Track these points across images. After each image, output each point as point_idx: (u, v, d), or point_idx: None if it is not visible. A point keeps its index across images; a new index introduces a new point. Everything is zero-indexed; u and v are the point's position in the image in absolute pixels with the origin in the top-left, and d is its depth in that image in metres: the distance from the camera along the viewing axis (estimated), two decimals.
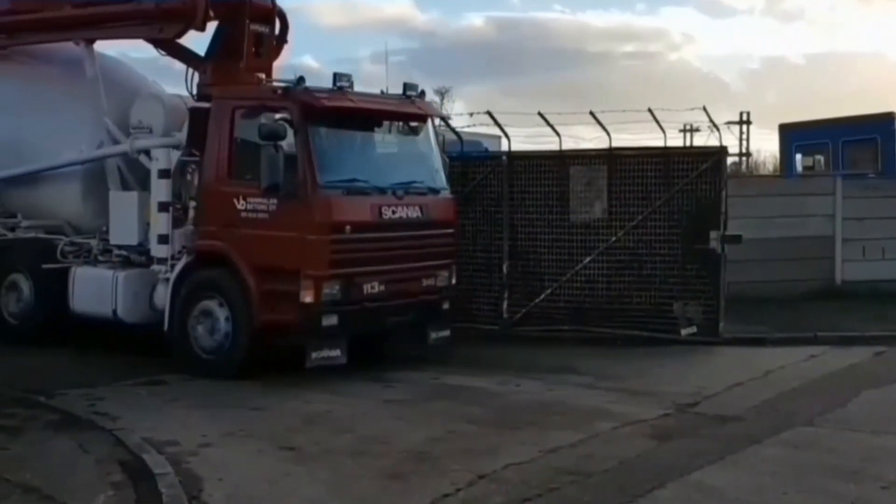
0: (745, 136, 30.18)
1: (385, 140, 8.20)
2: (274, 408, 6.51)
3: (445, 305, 8.11)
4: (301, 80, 7.42)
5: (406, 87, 8.11)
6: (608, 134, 9.43)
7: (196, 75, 8.24)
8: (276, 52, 8.49)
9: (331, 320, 7.17)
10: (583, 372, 7.66)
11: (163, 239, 7.91)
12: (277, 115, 7.24)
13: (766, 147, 35.28)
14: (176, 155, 7.94)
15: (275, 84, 7.80)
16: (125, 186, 8.44)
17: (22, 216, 9.01)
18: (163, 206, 7.91)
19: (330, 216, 7.23)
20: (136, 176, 8.42)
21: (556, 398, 6.75)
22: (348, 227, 7.27)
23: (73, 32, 8.68)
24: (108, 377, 7.40)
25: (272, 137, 7.11)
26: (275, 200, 7.24)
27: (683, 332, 8.12)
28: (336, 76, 7.48)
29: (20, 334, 8.63)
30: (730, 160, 18.38)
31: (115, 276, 8.13)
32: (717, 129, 10.33)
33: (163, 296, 7.82)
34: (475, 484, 4.86)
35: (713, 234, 8.81)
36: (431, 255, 7.93)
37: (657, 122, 9.33)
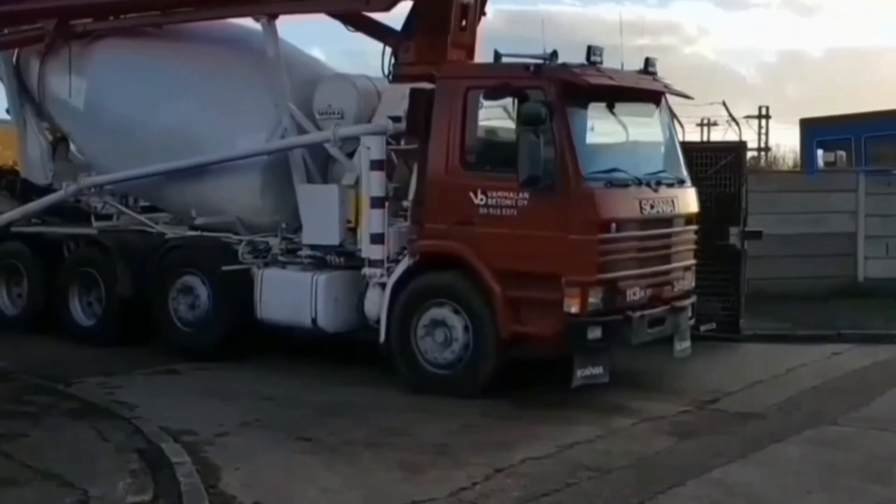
0: (763, 131, 29.92)
1: (632, 123, 7.10)
2: (291, 398, 6.47)
3: (691, 313, 7.14)
4: (555, 54, 6.42)
5: (648, 62, 6.98)
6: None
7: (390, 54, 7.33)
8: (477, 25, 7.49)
9: (595, 333, 6.24)
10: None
11: (377, 238, 6.80)
12: (525, 96, 6.20)
13: (784, 142, 34.96)
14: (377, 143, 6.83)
15: (523, 60, 6.54)
16: (309, 179, 7.49)
17: (196, 212, 7.90)
18: (377, 202, 6.79)
19: (597, 212, 6.27)
20: (318, 167, 7.54)
21: (571, 393, 6.67)
22: (614, 225, 6.34)
23: (255, 6, 7.60)
24: (125, 366, 7.39)
25: (533, 122, 6.12)
26: (525, 194, 6.25)
27: (702, 328, 8.06)
28: (591, 49, 6.48)
29: (196, 345, 7.58)
30: (749, 155, 18.19)
31: (314, 280, 7.08)
32: (737, 124, 10.17)
33: (376, 302, 6.80)
34: (492, 478, 4.83)
35: (733, 230, 8.62)
36: (681, 255, 6.98)
37: (674, 116, 9.21)
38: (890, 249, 11.49)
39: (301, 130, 7.50)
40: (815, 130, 16.93)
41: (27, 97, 9.08)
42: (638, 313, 6.45)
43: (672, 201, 6.83)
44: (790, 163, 28.29)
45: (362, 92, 7.39)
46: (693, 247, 7.20)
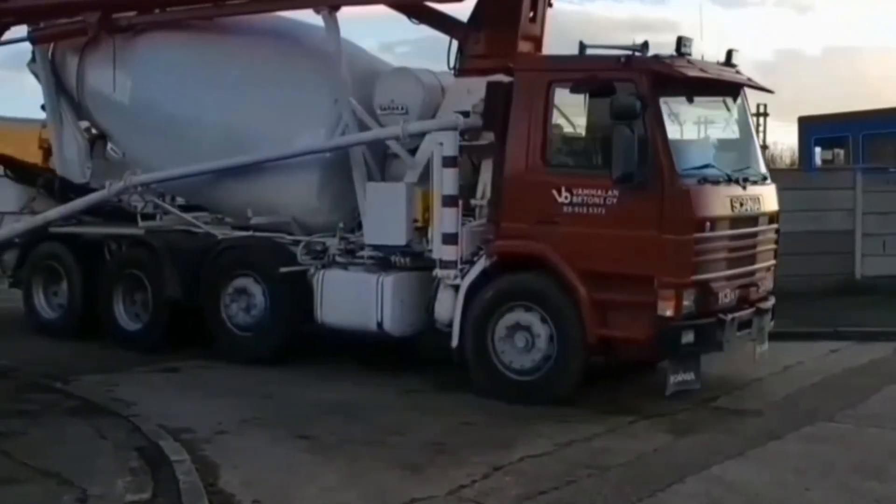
0: (762, 129, 29.91)
1: (718, 117, 6.89)
2: (290, 396, 6.45)
3: (772, 315, 6.86)
4: (646, 45, 6.14)
5: (730, 54, 6.65)
6: None
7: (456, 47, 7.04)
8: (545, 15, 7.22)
9: (688, 337, 5.98)
10: None
11: (449, 239, 6.48)
12: (614, 89, 5.92)
13: (782, 140, 34.97)
14: (447, 139, 6.49)
15: (612, 51, 6.25)
16: (369, 177, 7.22)
17: (252, 212, 7.55)
18: (450, 201, 6.47)
19: (692, 211, 5.99)
20: (377, 164, 7.30)
21: (574, 392, 6.65)
22: (708, 224, 6.07)
23: None
24: (124, 364, 7.36)
25: (626, 116, 5.85)
26: (615, 192, 5.98)
27: None
28: (681, 40, 6.20)
29: (252, 350, 7.29)
30: None
31: (379, 282, 6.78)
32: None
33: (449, 305, 6.50)
34: (491, 476, 4.83)
35: None
36: (764, 254, 6.73)
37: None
38: (887, 247, 11.52)
39: (362, 127, 7.22)
40: (812, 128, 16.94)
41: (63, 93, 8.76)
42: (730, 316, 6.20)
43: (758, 199, 6.58)
44: (788, 161, 28.33)
45: (427, 86, 7.14)
46: (774, 246, 6.95)
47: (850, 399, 6.60)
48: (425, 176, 6.83)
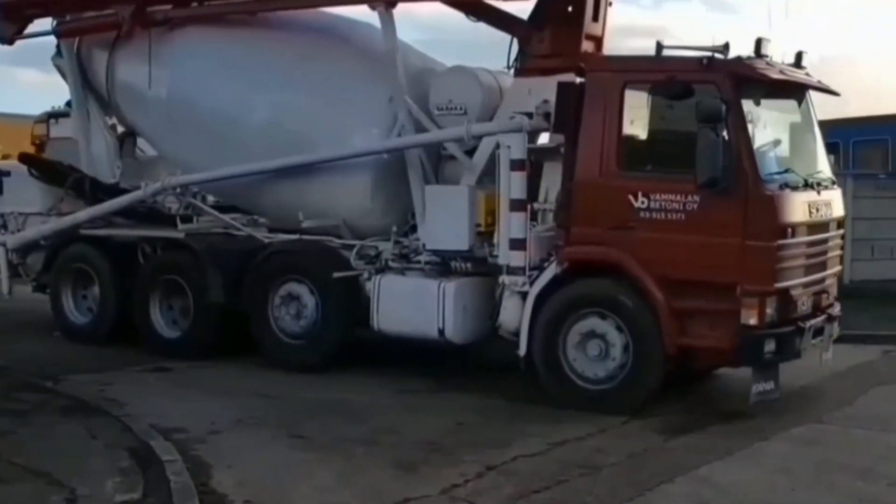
0: None
1: (791, 121, 6.70)
2: (286, 396, 6.42)
3: (840, 322, 6.70)
4: (727, 46, 5.95)
5: (800, 56, 6.47)
6: None
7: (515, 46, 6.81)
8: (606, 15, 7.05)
9: (770, 345, 5.85)
10: None
11: (517, 244, 6.27)
12: (693, 91, 5.78)
13: None
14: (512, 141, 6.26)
15: (693, 53, 6.04)
16: (424, 179, 6.99)
17: (303, 215, 7.20)
18: (518, 205, 6.25)
19: (776, 217, 5.84)
20: (432, 165, 7.08)
21: None
22: (789, 231, 5.94)
23: None
24: (117, 363, 7.32)
25: (712, 119, 5.68)
26: (696, 197, 5.81)
27: None
28: (760, 42, 6.03)
29: (303, 357, 7.06)
30: None
31: (441, 288, 6.56)
32: None
33: (515, 312, 6.29)
34: (485, 475, 4.86)
35: None
36: (833, 260, 6.61)
37: None
38: (876, 252, 11.60)
39: (418, 127, 6.97)
40: None
41: (90, 89, 8.42)
42: (808, 323, 6.09)
43: (829, 204, 6.45)
44: None
45: (486, 86, 6.94)
46: (841, 252, 6.82)
47: (839, 401, 6.63)
48: (482, 178, 6.70)
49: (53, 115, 13.26)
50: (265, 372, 7.09)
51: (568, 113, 6.29)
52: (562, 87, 6.38)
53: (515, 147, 6.33)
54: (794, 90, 6.55)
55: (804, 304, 6.15)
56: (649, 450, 5.43)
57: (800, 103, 6.69)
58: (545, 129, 6.57)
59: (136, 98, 8.08)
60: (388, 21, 6.92)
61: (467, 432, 5.69)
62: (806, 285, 6.18)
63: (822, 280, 6.44)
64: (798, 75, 6.48)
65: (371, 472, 4.94)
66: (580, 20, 6.76)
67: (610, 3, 7.13)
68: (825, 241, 6.42)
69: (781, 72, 6.24)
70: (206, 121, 7.61)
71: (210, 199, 8.38)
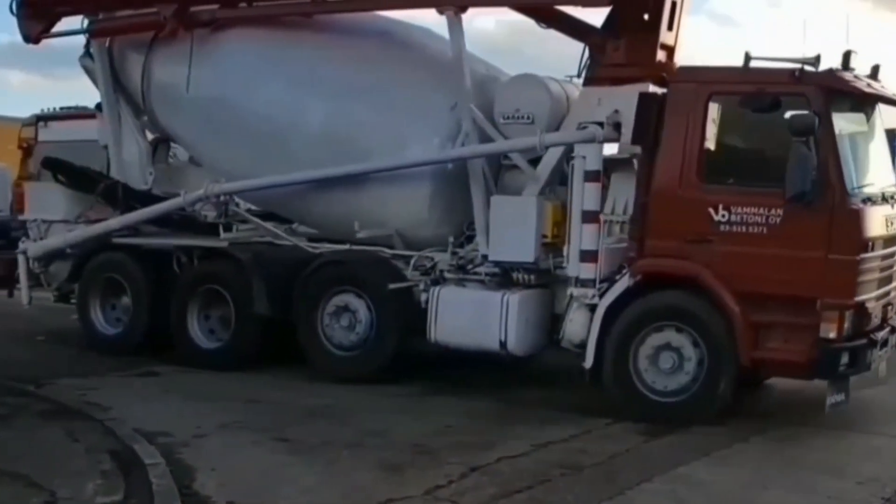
0: None
1: (869, 134, 6.59)
2: (272, 400, 6.42)
3: None
4: (819, 58, 5.85)
5: (876, 69, 6.37)
6: None
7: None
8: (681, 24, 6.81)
9: (845, 358, 5.85)
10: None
11: (588, 256, 6.18)
12: (781, 104, 5.71)
13: None
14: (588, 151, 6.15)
15: (782, 65, 5.92)
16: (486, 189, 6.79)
17: (359, 225, 6.99)
18: (591, 216, 6.18)
19: (861, 231, 5.82)
20: (493, 175, 6.89)
21: (550, 395, 6.69)
22: (870, 244, 5.92)
23: None
24: (101, 367, 7.24)
25: (805, 133, 5.62)
26: (779, 211, 5.77)
27: None
28: (849, 54, 5.95)
29: (356, 370, 6.86)
30: None
31: (504, 300, 6.43)
32: None
33: (583, 325, 6.20)
34: (468, 476, 4.90)
35: None
36: None
37: None
38: None
39: (482, 136, 6.78)
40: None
41: (122, 91, 8.11)
42: (878, 335, 6.13)
43: None
44: None
45: (554, 95, 6.77)
46: None
47: (815, 404, 6.58)
48: (545, 189, 6.61)
49: (42, 119, 13.17)
50: (254, 377, 7.05)
51: (648, 124, 6.19)
52: (643, 97, 6.32)
53: (591, 158, 6.24)
54: (873, 103, 6.49)
55: (875, 317, 6.17)
56: (631, 450, 5.51)
57: (870, 116, 6.61)
58: (615, 140, 6.44)
59: (174, 101, 7.79)
60: (456, 26, 6.72)
61: (453, 434, 5.72)
62: (878, 298, 6.18)
63: (888, 293, 6.43)
64: (883, 89, 6.43)
65: (355, 473, 4.95)
66: (656, 29, 6.62)
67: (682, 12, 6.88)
68: (893, 254, 6.37)
69: (869, 85, 6.20)
70: (254, 126, 7.34)
71: (242, 205, 8.00)
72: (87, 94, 9.60)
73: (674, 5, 6.66)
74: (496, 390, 6.67)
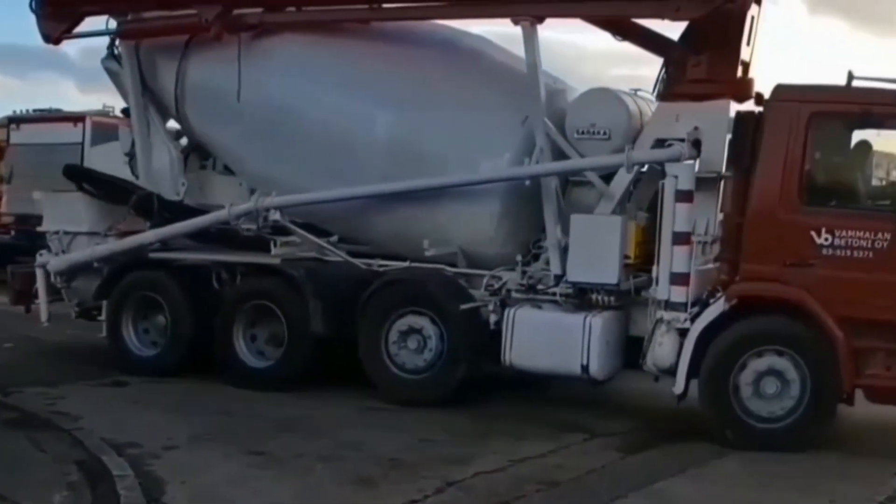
0: None
1: None
2: (246, 412, 6.32)
3: None
4: None
5: None
6: None
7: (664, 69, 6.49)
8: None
9: None
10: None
11: (680, 279, 5.98)
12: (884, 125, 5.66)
13: None
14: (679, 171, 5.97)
15: (886, 85, 5.82)
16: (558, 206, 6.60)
17: (429, 242, 6.70)
18: (682, 238, 5.98)
19: None
20: (561, 191, 6.71)
21: (530, 410, 6.66)
22: None
23: (519, 6, 6.48)
24: (71, 376, 7.11)
25: None
26: (887, 235, 5.67)
27: None
28: None
29: (426, 394, 6.60)
30: None
31: (587, 322, 6.25)
32: None
33: (671, 349, 6.02)
34: (444, 491, 4.86)
35: None
36: None
37: None
38: None
39: (556, 152, 6.56)
40: None
41: (150, 97, 7.74)
42: None
43: None
44: None
45: (631, 110, 6.60)
46: None
47: None
48: (616, 207, 6.48)
49: (14, 121, 12.94)
50: (228, 388, 6.94)
51: (744, 143, 6.06)
52: (740, 116, 6.21)
53: (683, 177, 6.06)
54: None
55: None
56: (607, 466, 5.51)
57: None
58: (695, 158, 6.26)
59: (216, 109, 7.40)
60: (531, 37, 6.46)
61: (429, 448, 5.67)
62: None
63: None
64: None
65: (329, 487, 4.89)
66: (738, 44, 6.44)
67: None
68: None
69: None
70: (314, 137, 7.03)
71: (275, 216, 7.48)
72: (60, 97, 9.30)
73: (752, 20, 6.50)
74: (472, 404, 6.62)
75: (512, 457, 5.48)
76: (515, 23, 6.49)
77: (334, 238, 7.32)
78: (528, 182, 6.61)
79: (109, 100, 11.76)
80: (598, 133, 6.50)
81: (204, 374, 7.20)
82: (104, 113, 12.55)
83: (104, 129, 10.83)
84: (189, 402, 6.57)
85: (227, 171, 7.91)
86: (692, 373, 6.01)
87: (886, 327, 5.75)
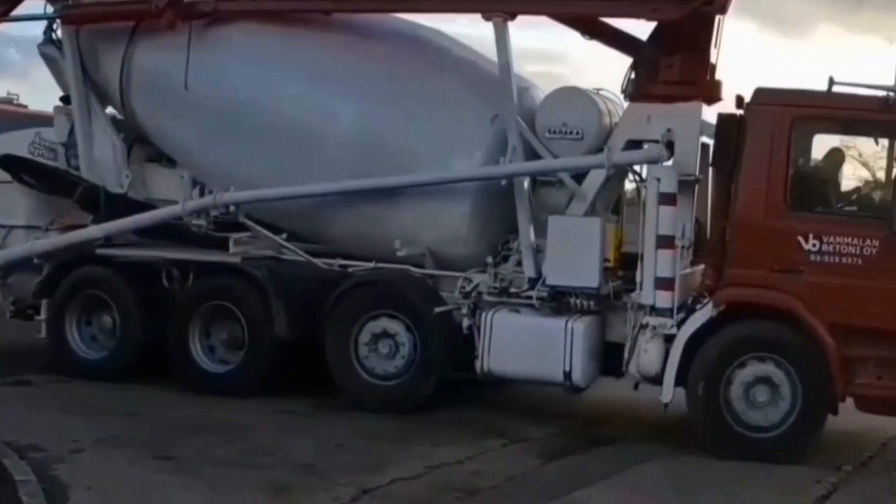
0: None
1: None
2: (156, 415, 6.16)
3: None
4: None
5: None
6: None
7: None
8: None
9: None
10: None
11: (665, 283, 5.91)
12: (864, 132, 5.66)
13: None
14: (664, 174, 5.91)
15: (867, 91, 5.82)
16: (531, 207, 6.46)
17: (400, 243, 6.52)
18: (666, 241, 5.93)
19: None
20: (539, 196, 6.57)
21: (446, 414, 6.57)
22: None
23: (492, 2, 6.37)
24: None
25: None
26: (875, 242, 5.62)
27: None
28: None
29: (398, 400, 6.44)
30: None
31: (569, 328, 6.12)
32: None
33: (657, 356, 5.94)
34: (359, 499, 4.78)
35: None
36: None
37: None
38: None
39: (528, 151, 6.43)
40: None
41: (92, 86, 7.37)
42: None
43: None
44: None
45: (603, 110, 6.52)
46: None
47: None
48: (589, 209, 6.39)
49: None
50: (137, 389, 6.76)
51: (728, 146, 6.00)
52: (722, 118, 6.14)
53: (666, 179, 6.02)
54: None
55: None
56: (527, 473, 5.46)
57: None
58: (667, 160, 6.21)
59: (167, 100, 7.10)
60: (502, 33, 6.32)
61: (345, 454, 5.58)
62: None
63: None
64: None
65: (241, 494, 4.77)
66: (709, 46, 6.42)
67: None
68: None
69: None
70: (273, 129, 6.78)
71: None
72: None
73: (719, 22, 6.46)
74: (385, 410, 6.45)
75: (429, 462, 5.40)
76: (487, 19, 6.36)
77: (284, 236, 7.08)
78: (503, 182, 6.48)
79: (14, 87, 11.32)
80: (571, 133, 6.41)
81: (155, 378, 6.91)
82: (8, 100, 12.03)
83: (8, 118, 10.32)
84: (95, 403, 6.34)
85: (171, 163, 7.60)
86: (679, 380, 5.95)
87: (877, 335, 5.71)
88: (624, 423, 6.68)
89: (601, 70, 12.67)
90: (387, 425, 6.23)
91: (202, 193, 6.95)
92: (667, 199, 6.00)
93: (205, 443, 5.58)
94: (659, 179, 6.04)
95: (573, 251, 6.21)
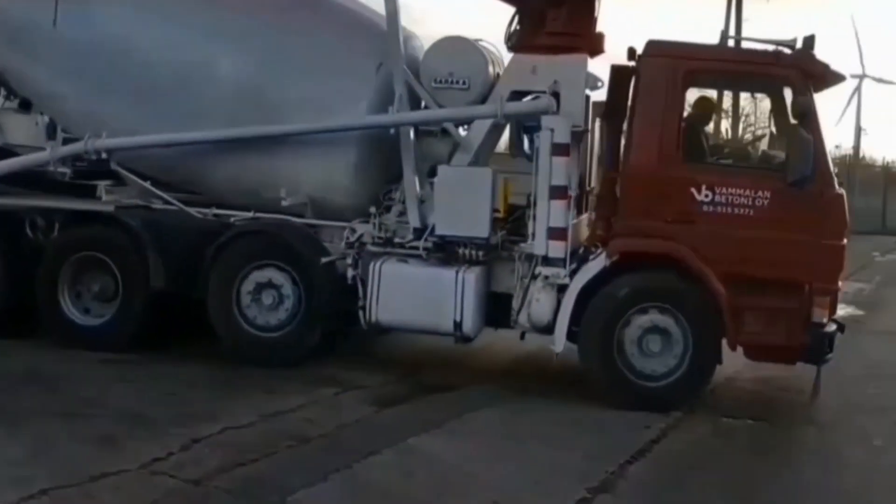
0: None
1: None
2: None
3: None
4: (796, 41, 5.84)
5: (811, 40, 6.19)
6: None
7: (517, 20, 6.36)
8: None
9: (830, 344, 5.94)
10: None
11: (558, 234, 5.94)
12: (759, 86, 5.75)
13: None
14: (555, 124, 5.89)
15: (763, 45, 5.93)
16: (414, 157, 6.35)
17: (286, 192, 6.40)
18: (559, 192, 5.95)
19: (845, 217, 5.92)
20: (421, 146, 6.46)
21: (281, 363, 6.49)
22: (846, 230, 5.99)
23: None
24: None
25: (805, 117, 5.65)
26: (766, 193, 5.75)
27: None
28: (812, 39, 5.90)
29: (285, 353, 6.38)
30: None
31: (460, 278, 6.08)
32: None
33: (548, 306, 6.00)
34: (189, 448, 4.77)
35: None
36: None
37: None
38: None
39: (413, 101, 6.40)
40: None
41: None
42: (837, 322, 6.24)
43: None
44: None
45: (489, 60, 6.49)
46: None
47: (549, 376, 6.66)
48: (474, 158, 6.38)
49: None
50: None
51: (620, 98, 6.09)
52: (615, 69, 6.19)
53: (559, 130, 6.03)
54: (832, 85, 6.56)
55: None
56: (360, 421, 5.50)
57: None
58: (554, 112, 6.25)
59: (28, 40, 6.70)
60: None
61: (174, 404, 5.49)
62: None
63: None
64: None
65: (67, 445, 4.68)
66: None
67: None
68: None
69: (836, 70, 6.29)
70: (148, 73, 6.52)
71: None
72: None
73: None
74: (217, 358, 6.40)
75: (262, 411, 5.39)
76: None
77: (148, 182, 6.85)
78: (392, 131, 6.40)
79: None
80: (457, 82, 6.39)
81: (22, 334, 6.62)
82: None
83: None
84: None
85: (23, 108, 7.23)
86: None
87: (766, 284, 5.86)
88: (460, 372, 6.74)
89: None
90: (217, 375, 6.14)
91: (66, 142, 6.64)
92: (560, 149, 6.04)
93: (31, 393, 5.44)
94: (553, 130, 6.07)
95: (463, 201, 6.24)
